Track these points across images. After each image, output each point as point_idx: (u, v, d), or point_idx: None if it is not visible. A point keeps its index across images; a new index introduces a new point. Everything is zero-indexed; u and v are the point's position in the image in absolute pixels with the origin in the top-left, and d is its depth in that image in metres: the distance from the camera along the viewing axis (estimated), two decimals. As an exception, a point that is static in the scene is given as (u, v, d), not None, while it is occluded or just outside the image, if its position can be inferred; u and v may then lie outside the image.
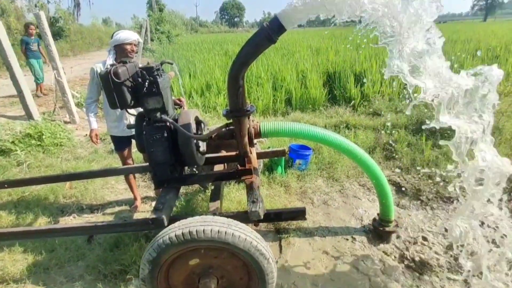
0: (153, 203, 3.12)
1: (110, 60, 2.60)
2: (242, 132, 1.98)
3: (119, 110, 2.55)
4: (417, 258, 2.28)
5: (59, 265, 2.28)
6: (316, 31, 21.04)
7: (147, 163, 2.98)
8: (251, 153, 2.18)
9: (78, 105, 5.94)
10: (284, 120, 5.30)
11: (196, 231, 1.51)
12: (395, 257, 2.32)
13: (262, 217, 1.84)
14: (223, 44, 15.04)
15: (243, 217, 1.85)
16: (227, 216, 1.75)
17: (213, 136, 2.10)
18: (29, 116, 5.02)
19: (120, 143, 2.81)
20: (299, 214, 1.97)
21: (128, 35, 2.57)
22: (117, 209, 3.07)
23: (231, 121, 2.02)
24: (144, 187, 3.49)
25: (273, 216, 1.99)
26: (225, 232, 1.52)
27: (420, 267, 2.20)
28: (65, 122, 5.30)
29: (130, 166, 2.81)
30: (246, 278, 1.70)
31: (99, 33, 23.57)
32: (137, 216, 2.91)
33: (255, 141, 2.41)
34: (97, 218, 2.90)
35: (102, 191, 3.34)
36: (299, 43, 11.73)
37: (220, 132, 2.08)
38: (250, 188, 2.04)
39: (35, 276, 2.20)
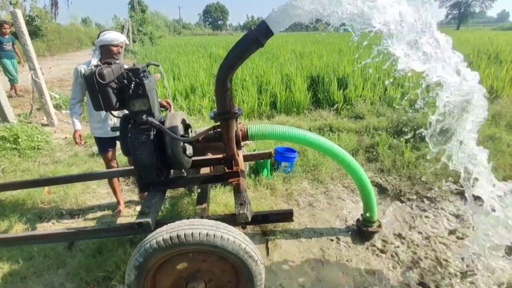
0: (138, 208, 3.06)
1: (94, 61, 2.54)
2: (230, 134, 1.99)
3: (104, 111, 2.50)
4: (401, 257, 2.36)
5: (37, 274, 2.18)
6: (299, 36, 21.36)
7: (132, 167, 2.94)
8: (238, 155, 2.19)
9: (56, 107, 5.74)
10: (269, 123, 5.33)
11: (185, 234, 1.49)
12: (377, 255, 2.39)
13: (250, 219, 1.85)
14: (207, 46, 14.99)
15: (231, 219, 1.84)
16: (215, 219, 1.75)
17: (200, 138, 2.09)
18: (3, 118, 4.78)
19: (104, 145, 2.74)
20: (287, 216, 1.99)
21: (115, 36, 2.51)
22: (99, 214, 2.98)
23: (218, 123, 2.02)
24: (128, 191, 3.41)
25: (261, 218, 2.00)
26: (214, 235, 1.51)
27: (404, 265, 2.27)
28: (43, 125, 5.10)
29: (114, 170, 2.74)
30: (234, 281, 1.70)
31: (78, 33, 22.88)
32: (121, 221, 2.84)
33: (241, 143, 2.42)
34: (78, 224, 2.80)
35: (83, 196, 3.23)
36: (283, 47, 11.87)
37: (208, 134, 2.07)
38: (237, 191, 2.04)
39: (11, 285, 2.09)
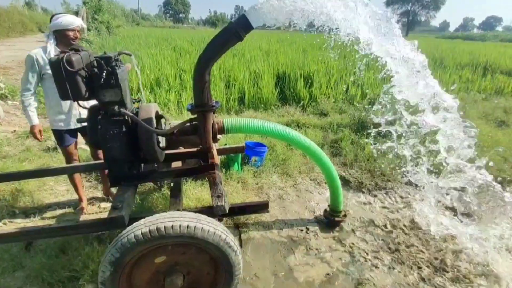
0: (102, 204, 2.92)
1: (51, 46, 2.35)
2: (207, 127, 1.98)
3: (67, 101, 2.32)
4: (361, 244, 2.55)
5: (-11, 279, 1.99)
6: (263, 33, 21.55)
7: (96, 161, 2.78)
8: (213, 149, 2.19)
9: (1, 97, 5.17)
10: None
11: (165, 227, 1.47)
12: (342, 242, 2.55)
13: (227, 211, 1.87)
14: (170, 39, 14.48)
15: (208, 212, 1.84)
16: (193, 212, 1.74)
17: (175, 131, 2.05)
18: None
19: (66, 138, 2.55)
20: (263, 207, 2.04)
21: (71, 20, 2.34)
22: (58, 212, 2.78)
23: (194, 116, 2.00)
24: (90, 187, 3.22)
25: (238, 210, 2.03)
26: (195, 227, 1.51)
27: (365, 252, 2.46)
28: (-15, 116, 4.57)
29: (77, 165, 2.57)
30: (213, 272, 1.71)
31: (21, 17, 20.59)
32: (85, 218, 2.67)
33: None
34: (35, 223, 2.59)
35: (39, 194, 2.98)
36: (249, 44, 11.90)
37: (183, 127, 2.04)
38: (213, 184, 2.04)
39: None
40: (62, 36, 2.34)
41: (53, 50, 2.34)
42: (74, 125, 2.51)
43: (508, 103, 6.40)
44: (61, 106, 2.42)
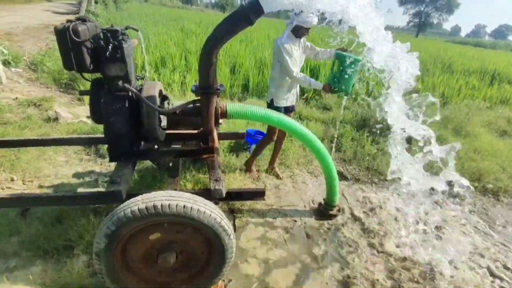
0: (99, 178, 2.93)
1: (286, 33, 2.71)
2: (210, 110, 1.98)
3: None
4: (353, 235, 2.58)
5: (-15, 241, 2.02)
6: (272, 21, 21.21)
7: (97, 135, 2.78)
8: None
9: (4, 63, 5.11)
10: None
11: (161, 205, 1.49)
12: (336, 235, 2.59)
13: (224, 195, 1.88)
14: (178, 20, 14.23)
15: (205, 194, 1.85)
16: (191, 193, 1.75)
17: (178, 111, 2.05)
18: None
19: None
20: (259, 194, 2.06)
21: (310, 21, 2.57)
22: (56, 182, 2.80)
23: (198, 98, 1.99)
24: (89, 160, 3.23)
25: (234, 195, 2.04)
26: (191, 208, 1.53)
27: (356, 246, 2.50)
28: (-13, 81, 4.53)
29: (76, 137, 2.58)
30: (206, 253, 1.74)
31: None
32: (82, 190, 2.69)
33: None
34: (32, 191, 2.60)
35: (38, 162, 2.99)
36: (258, 31, 11.72)
37: (186, 108, 2.03)
38: (212, 167, 2.06)
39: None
40: (298, 30, 2.65)
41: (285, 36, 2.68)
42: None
43: (512, 113, 6.38)
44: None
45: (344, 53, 2.64)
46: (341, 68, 2.65)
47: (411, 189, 2.45)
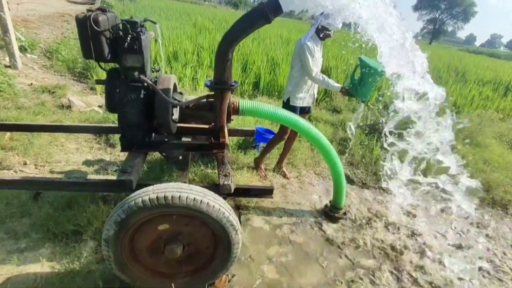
0: (109, 167, 2.97)
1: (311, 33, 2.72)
2: (223, 105, 1.99)
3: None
4: (360, 241, 2.58)
5: (-2, 220, 2.07)
6: (284, 21, 21.18)
7: (110, 124, 2.82)
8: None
9: (21, 49, 5.20)
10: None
11: (172, 196, 1.50)
12: (342, 241, 2.58)
13: (232, 191, 1.90)
14: (191, 15, 14.30)
15: (214, 189, 1.87)
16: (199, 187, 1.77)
17: (190, 105, 2.06)
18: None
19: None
20: (267, 192, 2.07)
21: (332, 24, 2.61)
22: (66, 168, 2.84)
23: (212, 93, 2.00)
24: (99, 149, 3.27)
25: (242, 191, 2.06)
26: (201, 201, 1.54)
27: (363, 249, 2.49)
28: (5, 66, 4.61)
29: (88, 125, 2.62)
30: (212, 247, 1.75)
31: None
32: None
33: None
34: (44, 175, 2.66)
35: (50, 148, 3.04)
36: (270, 30, 11.71)
37: (199, 102, 2.05)
38: (222, 163, 2.07)
39: (-33, 230, 1.96)
40: (322, 32, 2.68)
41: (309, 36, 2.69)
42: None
43: (525, 126, 6.26)
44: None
45: (367, 61, 2.54)
46: (362, 74, 2.57)
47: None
